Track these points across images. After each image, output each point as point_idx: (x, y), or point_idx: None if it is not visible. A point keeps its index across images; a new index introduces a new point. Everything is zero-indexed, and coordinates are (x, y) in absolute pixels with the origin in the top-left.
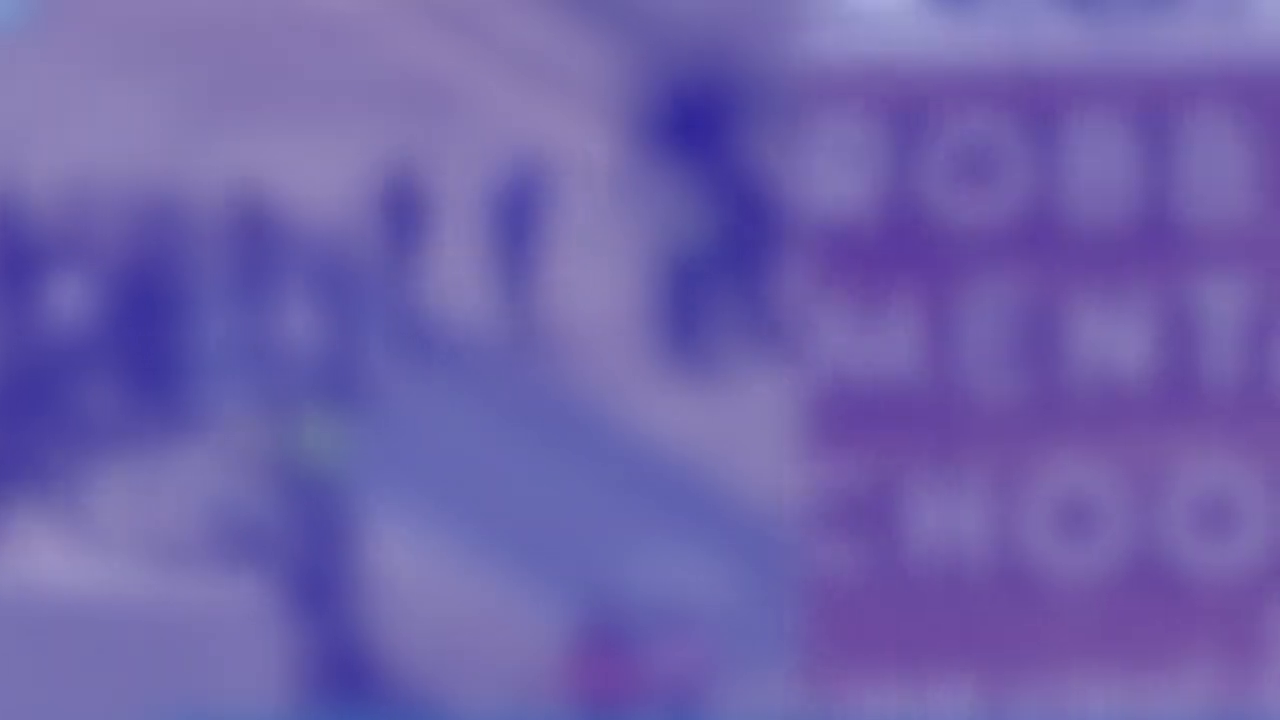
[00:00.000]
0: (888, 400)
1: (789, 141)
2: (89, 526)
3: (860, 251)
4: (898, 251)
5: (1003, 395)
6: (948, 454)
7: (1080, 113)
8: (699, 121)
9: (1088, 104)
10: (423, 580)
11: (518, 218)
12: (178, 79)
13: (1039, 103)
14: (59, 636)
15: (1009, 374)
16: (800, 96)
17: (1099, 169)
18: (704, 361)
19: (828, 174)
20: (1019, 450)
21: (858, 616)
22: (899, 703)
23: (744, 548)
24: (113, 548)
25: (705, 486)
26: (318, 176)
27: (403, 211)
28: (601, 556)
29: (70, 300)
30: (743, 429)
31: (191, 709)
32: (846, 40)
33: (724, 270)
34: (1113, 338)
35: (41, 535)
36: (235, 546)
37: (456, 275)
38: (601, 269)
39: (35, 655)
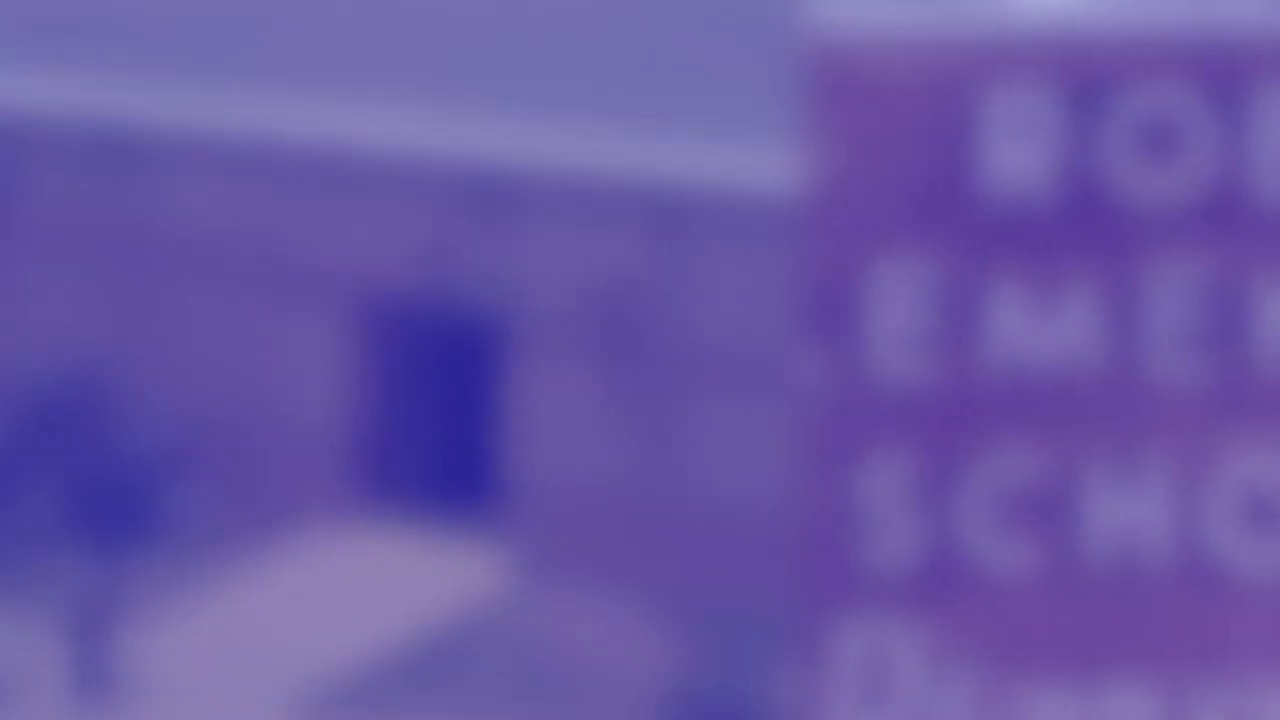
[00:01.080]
0: (1064, 388)
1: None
2: None
3: (1036, 231)
4: (1076, 231)
5: (1186, 382)
6: (1127, 445)
7: (1269, 83)
8: None
9: (1277, 74)
10: None
11: None
12: None
13: (1226, 73)
14: None
15: (1193, 360)
16: (973, 68)
17: None
18: None
19: (1003, 150)
20: (1203, 441)
21: (1032, 616)
22: (1076, 705)
23: None
24: None
25: None
26: None
27: None
28: None
29: None
30: None
31: None
32: (1022, 10)
33: None
34: None
35: None
36: None
37: None
38: None
39: None
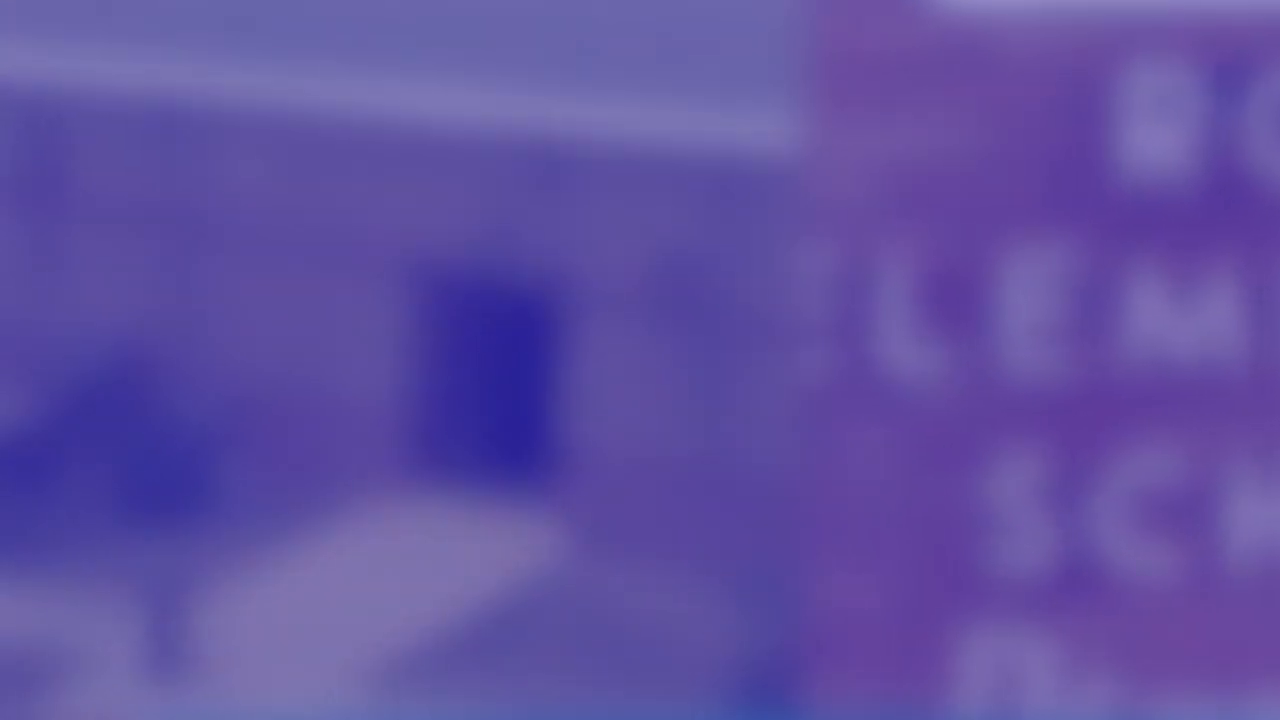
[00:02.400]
0: (1205, 383)
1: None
2: None
3: (1176, 218)
4: (1217, 217)
5: None
6: (1272, 443)
7: None
8: None
9: None
10: None
11: None
12: None
13: None
14: None
15: None
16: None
17: None
18: None
19: (1141, 132)
20: None
21: (1171, 624)
22: (1217, 713)
23: None
24: None
25: None
26: None
27: None
28: None
29: None
30: None
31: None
32: None
33: None
34: None
35: None
36: None
37: None
38: None
39: None
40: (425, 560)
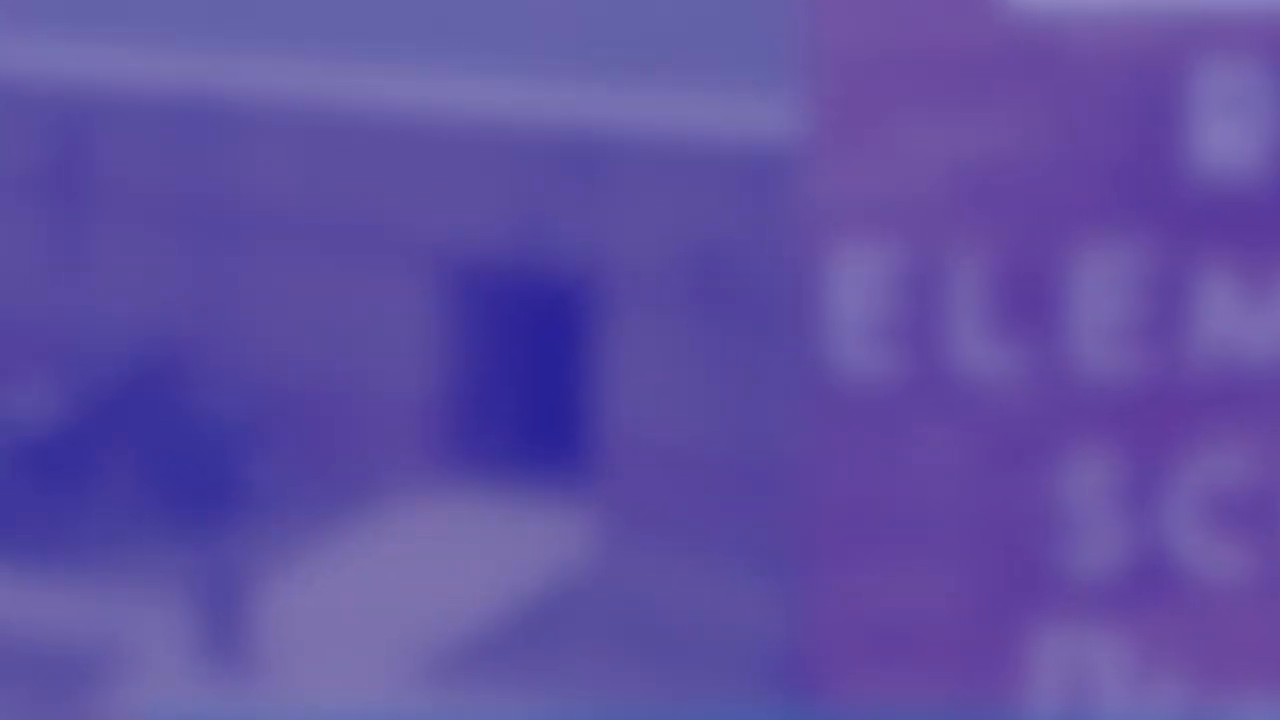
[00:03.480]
0: (1277, 383)
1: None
2: None
3: (1248, 216)
4: None
5: None
6: None
7: None
8: None
9: None
10: None
11: None
12: None
13: None
14: None
15: None
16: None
17: None
18: None
19: (1213, 130)
20: None
21: (1245, 623)
22: None
23: None
24: None
25: None
26: None
27: None
28: None
29: None
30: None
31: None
32: None
33: None
34: None
35: None
36: None
37: None
38: None
39: None
40: (461, 551)
